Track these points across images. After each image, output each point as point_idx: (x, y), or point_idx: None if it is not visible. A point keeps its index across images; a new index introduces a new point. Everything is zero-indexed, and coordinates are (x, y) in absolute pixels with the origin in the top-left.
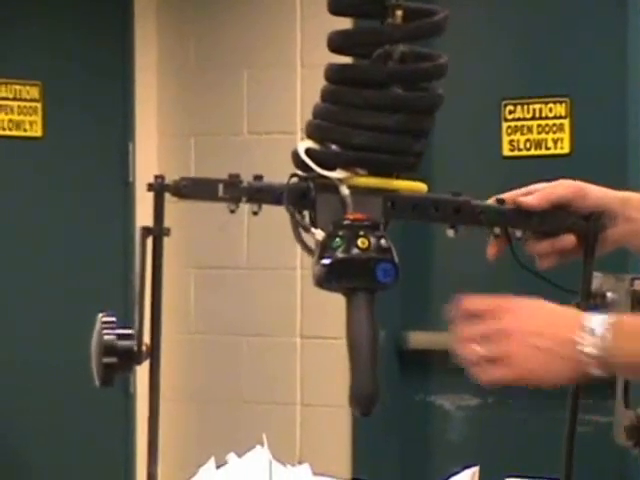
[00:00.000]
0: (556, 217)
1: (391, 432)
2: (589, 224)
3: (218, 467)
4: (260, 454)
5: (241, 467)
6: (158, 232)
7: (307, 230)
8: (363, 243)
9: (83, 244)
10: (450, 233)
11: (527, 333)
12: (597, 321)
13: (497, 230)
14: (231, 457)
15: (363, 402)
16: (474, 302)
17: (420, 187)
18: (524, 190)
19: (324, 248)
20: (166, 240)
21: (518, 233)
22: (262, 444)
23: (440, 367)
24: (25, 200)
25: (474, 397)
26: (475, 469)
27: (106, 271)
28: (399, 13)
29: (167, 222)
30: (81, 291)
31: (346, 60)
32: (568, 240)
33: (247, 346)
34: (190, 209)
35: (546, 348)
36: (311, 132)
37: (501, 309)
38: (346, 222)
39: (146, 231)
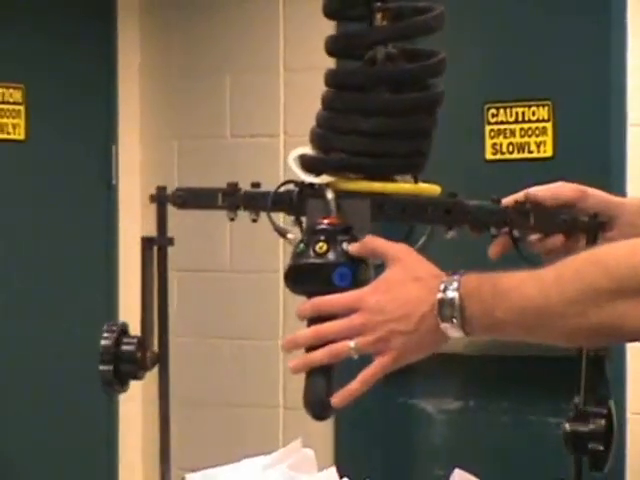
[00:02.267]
0: (551, 216)
1: (373, 435)
2: (590, 222)
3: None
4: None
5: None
6: (162, 242)
7: (283, 235)
8: (321, 248)
9: (66, 247)
10: (447, 235)
11: (389, 321)
12: (450, 284)
13: (493, 230)
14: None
15: (315, 407)
16: (329, 300)
17: (425, 189)
18: (523, 193)
19: (292, 253)
20: None
21: (516, 233)
22: (245, 447)
23: (422, 370)
24: (8, 203)
25: (456, 400)
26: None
27: (89, 272)
28: (380, 15)
29: (149, 225)
30: (64, 293)
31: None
32: (557, 239)
33: (229, 349)
34: (172, 212)
35: (411, 330)
36: (310, 139)
37: (358, 300)
38: (319, 227)
39: (149, 241)
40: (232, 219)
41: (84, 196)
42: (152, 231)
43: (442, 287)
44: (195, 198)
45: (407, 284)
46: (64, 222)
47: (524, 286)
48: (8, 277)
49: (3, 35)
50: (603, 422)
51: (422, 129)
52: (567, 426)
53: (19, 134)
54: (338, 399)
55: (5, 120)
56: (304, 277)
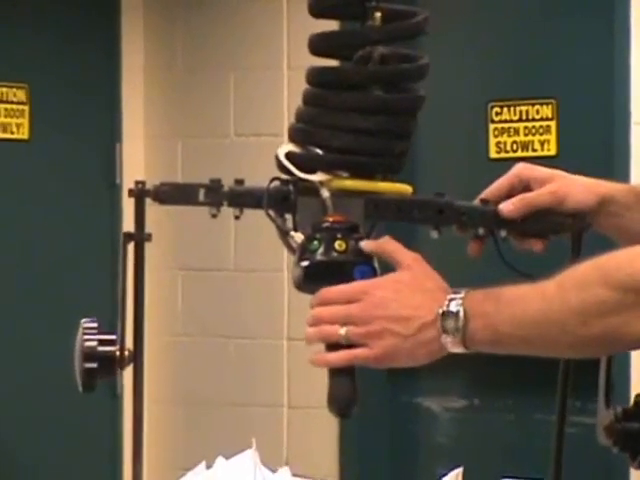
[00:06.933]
0: (540, 217)
1: (378, 434)
2: (575, 223)
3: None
4: (248, 457)
5: (228, 470)
6: (139, 238)
7: (286, 233)
8: (340, 245)
9: (70, 246)
10: (434, 234)
11: (388, 319)
12: (455, 299)
13: (481, 231)
14: (219, 460)
15: (341, 405)
16: (334, 290)
17: (404, 189)
18: (504, 181)
19: (302, 251)
20: (154, 242)
21: (503, 233)
22: (249, 447)
23: (427, 369)
24: (11, 202)
25: (461, 399)
26: (459, 470)
27: (93, 273)
28: (378, 15)
29: (154, 224)
30: (67, 293)
31: (331, 62)
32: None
33: (234, 348)
34: (177, 211)
35: (408, 335)
36: (293, 135)
37: (363, 292)
38: (325, 224)
39: (128, 237)
40: (214, 215)
41: (88, 195)
42: (155, 229)
43: (447, 300)
44: (177, 194)
45: (415, 291)
46: (67, 221)
47: (527, 298)
48: (10, 276)
49: (7, 35)
50: None
51: (411, 130)
52: (618, 425)
53: (23, 133)
54: (314, 358)
55: (9, 119)
56: (326, 274)
